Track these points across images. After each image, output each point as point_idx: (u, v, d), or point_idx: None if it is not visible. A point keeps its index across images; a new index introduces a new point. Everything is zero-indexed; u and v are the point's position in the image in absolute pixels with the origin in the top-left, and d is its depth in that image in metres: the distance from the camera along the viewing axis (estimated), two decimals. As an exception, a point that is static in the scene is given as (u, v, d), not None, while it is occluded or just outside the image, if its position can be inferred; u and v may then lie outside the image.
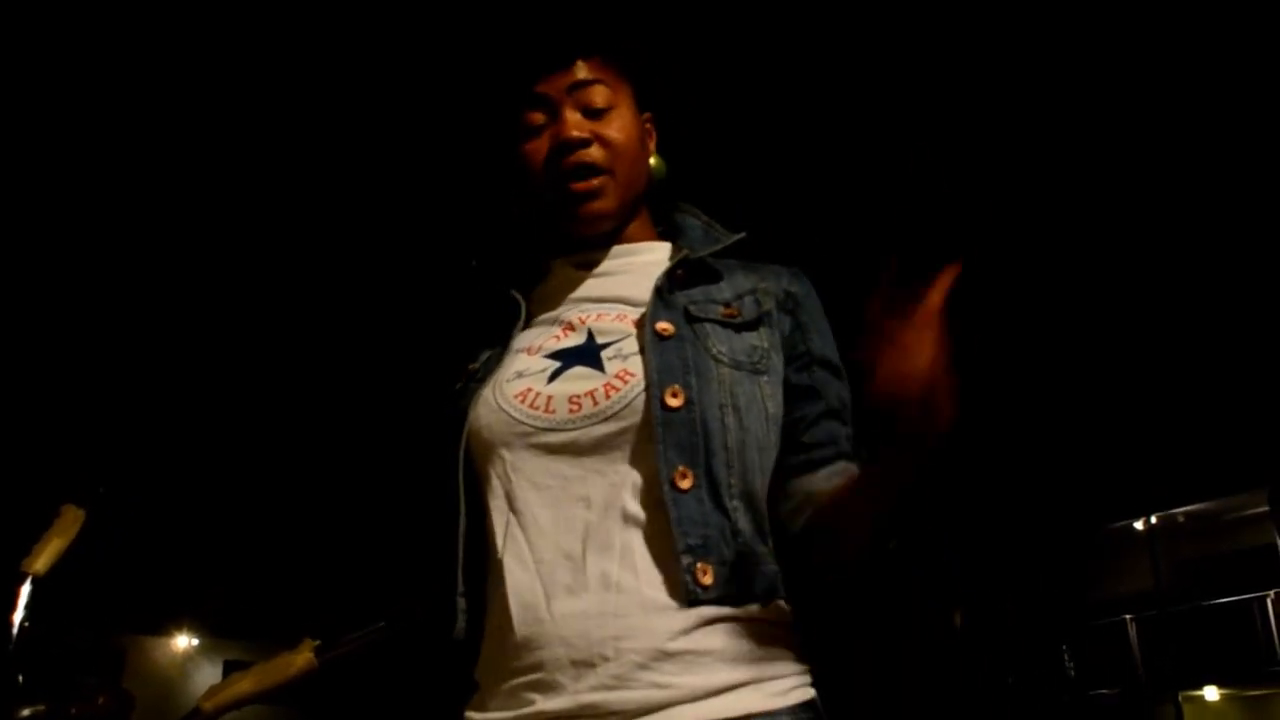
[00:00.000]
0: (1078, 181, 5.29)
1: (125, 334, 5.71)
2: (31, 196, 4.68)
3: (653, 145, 1.23)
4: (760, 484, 1.06)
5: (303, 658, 1.32)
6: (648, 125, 1.23)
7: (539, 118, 1.15)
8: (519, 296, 1.18)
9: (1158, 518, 13.30)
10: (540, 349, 1.11)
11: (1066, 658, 13.95)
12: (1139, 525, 13.44)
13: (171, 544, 8.84)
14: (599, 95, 1.15)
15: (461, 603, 1.06)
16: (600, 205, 1.14)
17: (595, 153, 1.13)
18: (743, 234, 1.22)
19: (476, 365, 1.15)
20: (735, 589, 1.00)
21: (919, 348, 0.89)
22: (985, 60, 4.35)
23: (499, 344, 1.15)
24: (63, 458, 6.31)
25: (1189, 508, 13.17)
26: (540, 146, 1.14)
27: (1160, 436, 9.10)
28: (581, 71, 1.15)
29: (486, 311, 1.21)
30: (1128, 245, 5.91)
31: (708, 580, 0.98)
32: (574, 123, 1.13)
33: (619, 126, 1.15)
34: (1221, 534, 13.67)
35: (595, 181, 1.13)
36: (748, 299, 1.15)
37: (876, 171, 4.98)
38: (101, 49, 3.88)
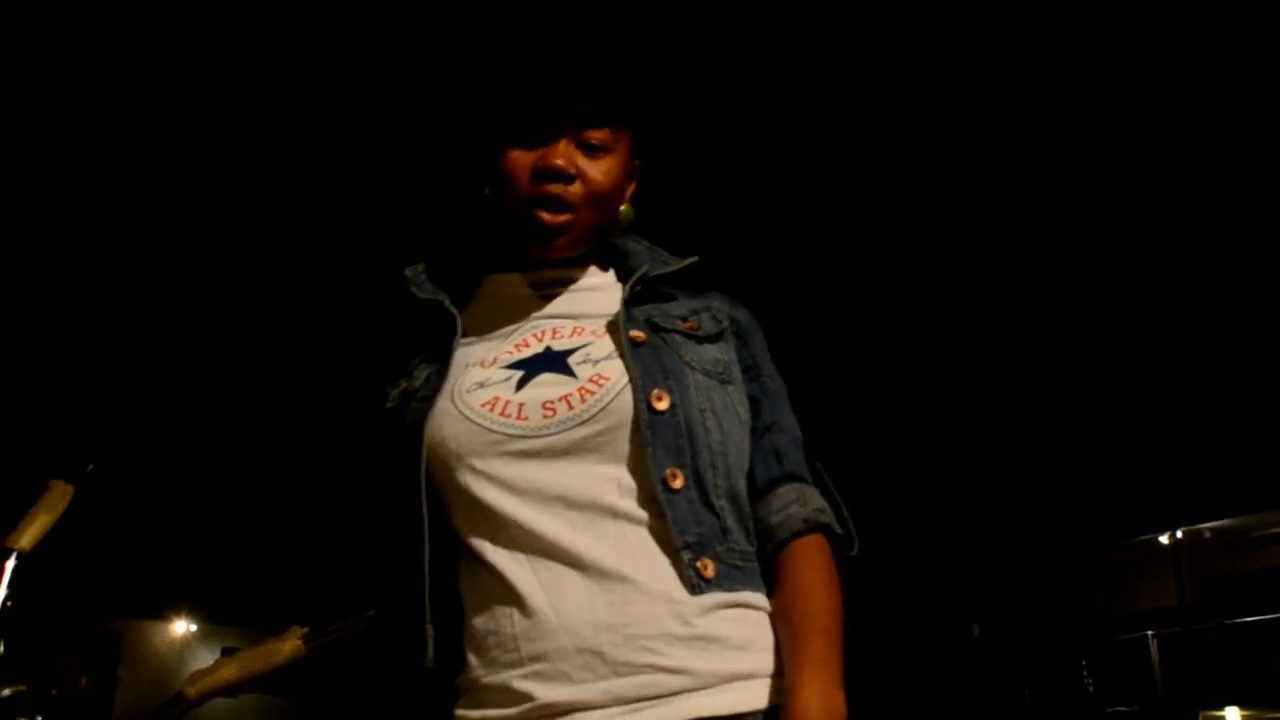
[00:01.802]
0: (1098, 195, 5.25)
1: (123, 320, 5.75)
2: (16, 186, 4.71)
3: (630, 193, 1.25)
4: (742, 485, 1.09)
5: (290, 645, 1.31)
6: (633, 173, 1.26)
7: (536, 133, 1.16)
8: (453, 310, 1.18)
9: (1184, 533, 13.18)
10: (496, 361, 1.11)
11: (1085, 673, 13.83)
12: (1164, 540, 13.32)
13: (171, 529, 8.89)
14: (598, 135, 1.16)
15: (431, 630, 1.06)
16: (561, 241, 1.16)
17: (574, 190, 1.14)
18: (695, 258, 1.23)
19: (414, 381, 1.15)
20: (734, 584, 1.02)
21: None
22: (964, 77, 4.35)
23: (437, 358, 1.15)
24: (55, 435, 6.36)
25: (1216, 523, 13.04)
26: (524, 161, 1.15)
27: (1188, 450, 9.03)
28: (589, 107, 1.17)
29: (417, 324, 1.21)
30: (1159, 261, 5.87)
31: (710, 574, 1.00)
32: (564, 154, 1.14)
33: (605, 170, 1.16)
34: (1249, 551, 13.54)
35: (563, 218, 1.15)
36: (704, 315, 1.19)
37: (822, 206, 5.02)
38: (99, 49, 3.90)
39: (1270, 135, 4.75)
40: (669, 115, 4.11)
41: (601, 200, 1.17)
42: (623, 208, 1.23)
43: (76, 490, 1.38)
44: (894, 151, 4.85)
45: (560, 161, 1.13)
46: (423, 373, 1.15)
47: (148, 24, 3.75)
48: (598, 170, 1.15)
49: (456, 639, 1.08)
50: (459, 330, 1.16)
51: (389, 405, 1.14)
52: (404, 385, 1.16)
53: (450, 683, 1.08)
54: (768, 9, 3.94)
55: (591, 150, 1.16)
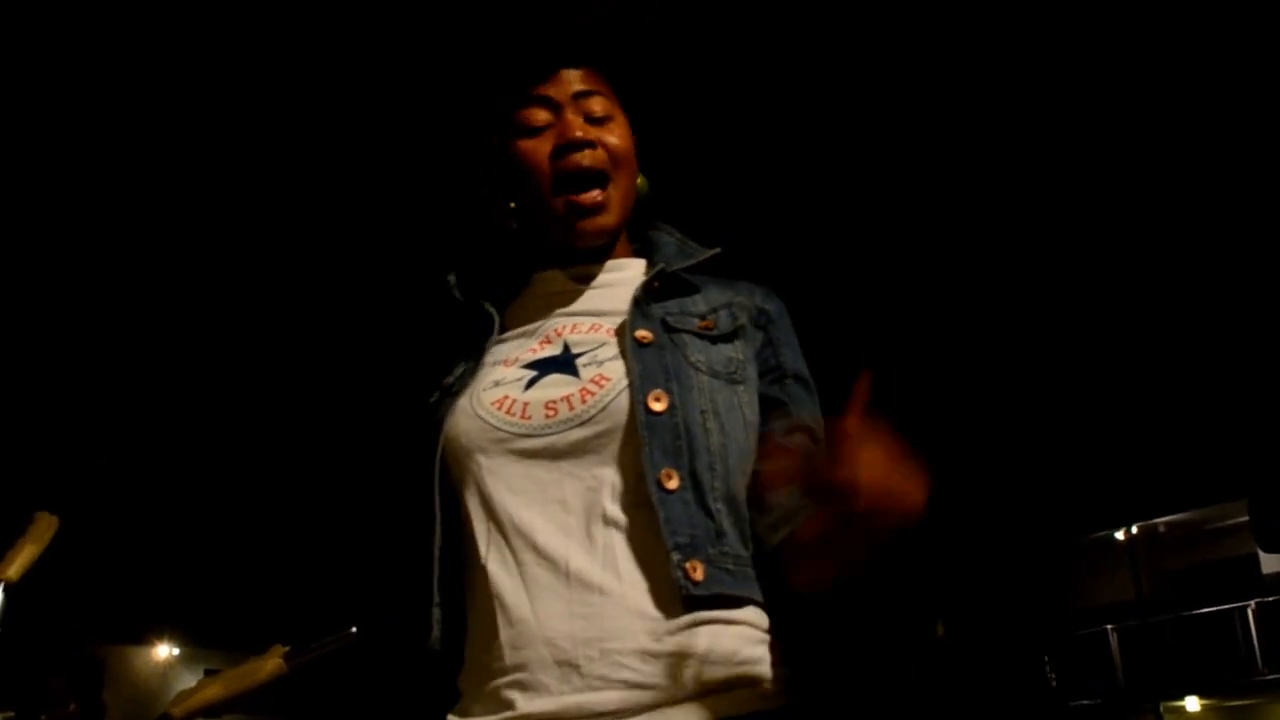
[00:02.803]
0: (1063, 192, 5.31)
1: (106, 341, 5.67)
2: (9, 196, 4.63)
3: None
4: (741, 489, 1.07)
5: (272, 663, 1.34)
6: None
7: (542, 117, 1.16)
8: (492, 310, 1.20)
9: (1139, 528, 13.36)
10: (517, 360, 1.13)
11: (1048, 668, 14.00)
12: (1120, 535, 13.50)
13: (154, 554, 8.80)
14: (599, 104, 1.17)
15: (437, 613, 1.06)
16: (601, 221, 1.15)
17: (599, 155, 1.14)
18: (717, 250, 1.23)
19: (451, 378, 1.16)
20: (722, 589, 1.01)
21: (854, 459, 0.89)
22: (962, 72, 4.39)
23: (473, 357, 1.16)
24: (40, 466, 6.27)
25: (1170, 518, 13.24)
26: (541, 146, 1.15)
27: (1141, 447, 9.14)
28: (580, 83, 1.18)
29: (460, 324, 1.23)
30: (1110, 258, 5.94)
31: (699, 577, 0.99)
32: (577, 125, 1.14)
33: (619, 135, 1.17)
34: (1202, 544, 13.74)
35: (598, 195, 1.14)
36: (723, 312, 1.17)
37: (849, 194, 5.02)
38: (100, 49, 3.86)
39: (1263, 140, 4.79)
40: (669, 116, 4.08)
41: (625, 163, 1.16)
42: (638, 180, 1.22)
43: (61, 522, 1.41)
44: (894, 152, 4.86)
45: (578, 131, 1.13)
46: (460, 369, 1.16)
47: (174, 31, 3.72)
48: (612, 135, 1.15)
49: (460, 631, 1.09)
50: (496, 329, 1.17)
51: (431, 400, 1.16)
52: (446, 381, 1.17)
53: (450, 676, 1.10)
54: (770, 12, 3.95)
55: (598, 121, 1.16)
